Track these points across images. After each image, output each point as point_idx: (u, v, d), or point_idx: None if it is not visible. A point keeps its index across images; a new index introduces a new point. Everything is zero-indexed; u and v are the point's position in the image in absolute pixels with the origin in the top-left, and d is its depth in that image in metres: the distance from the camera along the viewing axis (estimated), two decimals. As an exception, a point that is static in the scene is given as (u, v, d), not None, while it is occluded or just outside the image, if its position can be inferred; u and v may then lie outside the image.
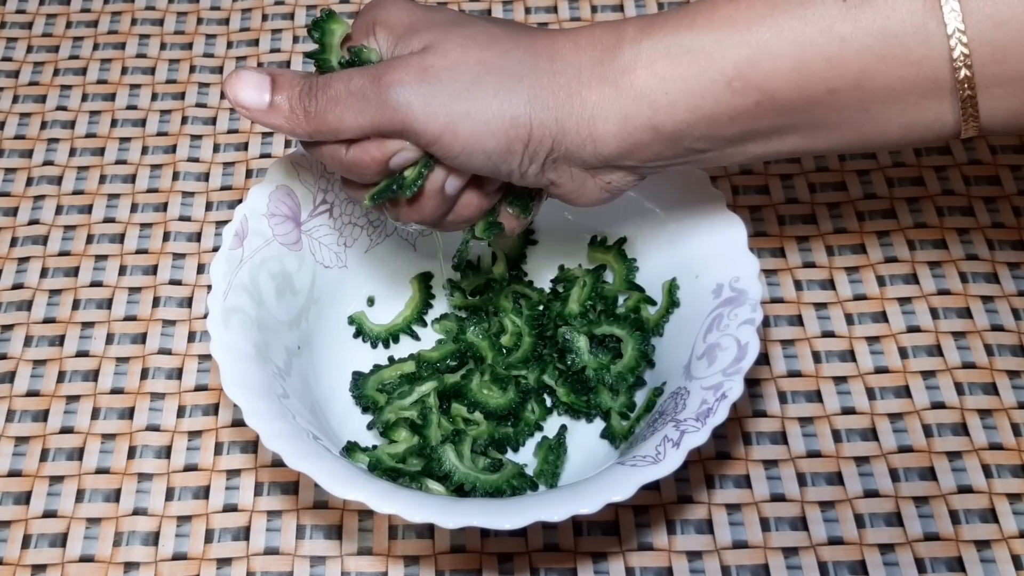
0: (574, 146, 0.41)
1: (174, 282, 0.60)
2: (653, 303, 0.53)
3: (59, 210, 0.63)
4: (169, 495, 0.53)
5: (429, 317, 0.56)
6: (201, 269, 0.60)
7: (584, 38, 0.41)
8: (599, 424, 0.53)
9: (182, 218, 0.63)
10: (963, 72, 0.36)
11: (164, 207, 0.63)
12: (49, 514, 0.52)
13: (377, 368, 0.54)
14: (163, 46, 0.71)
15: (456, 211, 0.44)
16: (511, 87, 0.40)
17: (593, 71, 0.40)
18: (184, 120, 0.67)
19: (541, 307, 0.55)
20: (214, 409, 0.55)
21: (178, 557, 0.51)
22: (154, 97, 0.68)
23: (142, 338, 0.58)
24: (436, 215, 0.44)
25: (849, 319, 0.58)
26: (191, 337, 0.58)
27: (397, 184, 0.42)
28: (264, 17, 0.72)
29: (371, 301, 0.57)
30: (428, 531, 0.51)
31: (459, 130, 0.40)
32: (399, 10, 0.43)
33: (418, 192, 0.42)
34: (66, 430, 0.55)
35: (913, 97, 0.38)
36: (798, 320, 0.58)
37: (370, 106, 0.40)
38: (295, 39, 0.71)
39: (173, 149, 0.66)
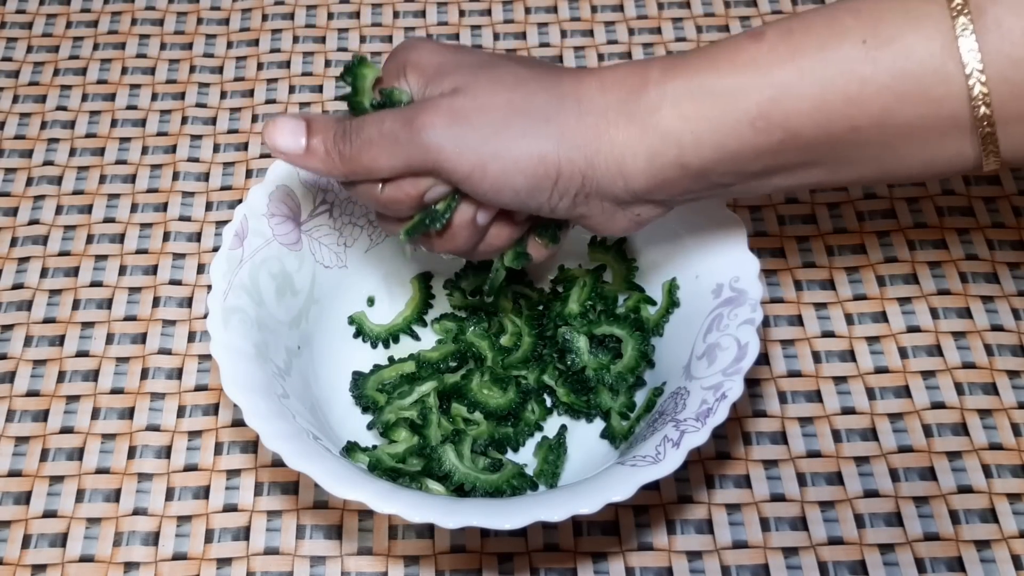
0: (605, 182, 0.42)
1: (174, 282, 0.60)
2: (653, 303, 0.53)
3: (59, 210, 0.63)
4: (169, 495, 0.53)
5: (429, 317, 0.56)
6: (201, 269, 0.60)
7: (610, 79, 0.42)
8: (599, 424, 0.53)
9: (182, 218, 0.63)
10: (982, 110, 0.37)
11: (164, 207, 0.63)
12: (49, 514, 0.52)
13: (377, 368, 0.54)
14: (163, 46, 0.71)
15: (487, 241, 0.46)
16: (539, 128, 0.41)
17: (620, 111, 0.41)
18: (184, 120, 0.67)
19: (541, 307, 0.55)
20: (214, 409, 0.55)
21: (178, 557, 0.51)
22: (154, 97, 0.68)
23: (142, 338, 0.58)
24: (468, 245, 0.45)
25: (849, 319, 0.58)
26: (191, 337, 0.58)
27: (429, 218, 0.44)
28: (264, 17, 0.72)
29: (371, 301, 0.57)
30: (428, 531, 0.51)
31: (488, 169, 0.41)
32: (429, 52, 0.44)
33: (448, 224, 0.44)
34: (66, 430, 0.55)
35: (934, 134, 0.38)
36: (798, 320, 0.58)
37: (402, 148, 0.42)
38: (295, 39, 0.71)
39: (173, 149, 0.66)
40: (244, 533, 0.52)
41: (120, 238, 0.62)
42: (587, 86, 0.42)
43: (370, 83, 0.45)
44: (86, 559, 0.51)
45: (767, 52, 0.39)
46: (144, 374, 0.57)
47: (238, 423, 0.55)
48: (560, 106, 0.42)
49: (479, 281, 0.56)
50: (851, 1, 0.39)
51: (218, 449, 0.54)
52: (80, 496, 0.53)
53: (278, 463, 0.53)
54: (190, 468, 0.54)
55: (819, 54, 0.38)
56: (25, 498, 0.53)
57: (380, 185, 0.43)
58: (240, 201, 0.55)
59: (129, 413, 0.55)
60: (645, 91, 0.41)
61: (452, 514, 0.42)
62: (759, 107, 0.39)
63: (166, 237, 0.62)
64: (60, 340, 0.58)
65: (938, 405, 0.55)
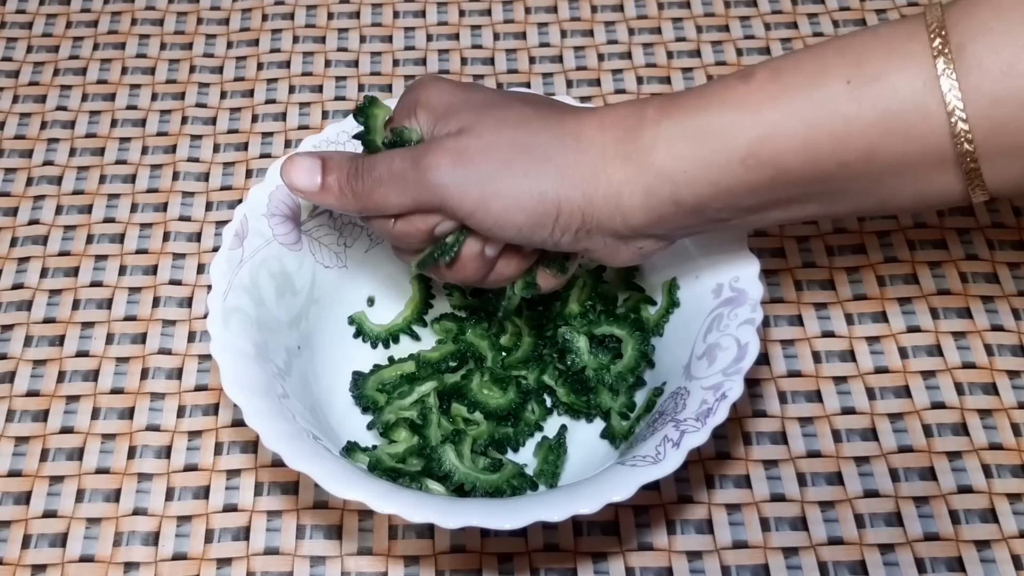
0: (604, 218, 0.44)
1: (174, 282, 0.60)
2: (653, 303, 0.53)
3: (59, 210, 0.63)
4: (169, 495, 0.53)
5: (429, 317, 0.56)
6: (201, 269, 0.60)
7: (609, 118, 0.44)
8: (599, 424, 0.53)
9: (182, 218, 0.63)
10: (965, 146, 0.38)
11: (164, 207, 0.63)
12: (49, 514, 0.52)
13: (377, 368, 0.54)
14: (163, 46, 0.71)
15: (496, 271, 0.47)
16: (540, 168, 0.43)
17: (617, 150, 0.43)
18: (184, 120, 0.67)
19: (541, 307, 0.55)
20: (214, 409, 0.55)
21: (178, 557, 0.51)
22: (154, 97, 0.68)
23: (142, 338, 0.58)
24: (478, 276, 0.47)
25: (849, 319, 0.58)
26: (191, 337, 0.58)
27: (439, 251, 0.46)
28: (264, 17, 0.72)
29: (371, 301, 0.57)
30: (428, 531, 0.51)
31: (491, 207, 0.43)
32: (439, 92, 0.46)
33: (457, 257, 0.46)
34: (66, 430, 0.55)
35: (921, 169, 0.39)
36: (798, 320, 0.58)
37: (410, 187, 0.44)
38: (295, 39, 0.71)
39: (173, 149, 0.66)
40: (244, 533, 0.52)
41: (120, 238, 0.62)
42: (587, 125, 0.44)
43: (382, 122, 0.48)
44: (86, 559, 0.51)
45: (756, 91, 0.41)
46: (144, 374, 0.57)
47: (238, 423, 0.55)
48: (560, 145, 0.43)
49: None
50: (838, 40, 0.40)
51: (218, 449, 0.54)
52: (80, 496, 0.53)
53: (278, 463, 0.53)
54: (190, 468, 0.54)
55: (805, 93, 0.40)
56: (25, 498, 0.53)
57: (392, 220, 0.45)
58: (240, 201, 0.55)
59: (129, 413, 0.55)
60: (641, 131, 0.42)
61: (452, 514, 0.42)
62: (749, 146, 0.40)
63: (166, 237, 0.62)
64: (60, 340, 0.58)
65: (938, 405, 0.55)
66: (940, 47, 0.37)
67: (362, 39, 0.71)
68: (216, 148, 0.66)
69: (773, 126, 0.40)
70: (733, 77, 0.42)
